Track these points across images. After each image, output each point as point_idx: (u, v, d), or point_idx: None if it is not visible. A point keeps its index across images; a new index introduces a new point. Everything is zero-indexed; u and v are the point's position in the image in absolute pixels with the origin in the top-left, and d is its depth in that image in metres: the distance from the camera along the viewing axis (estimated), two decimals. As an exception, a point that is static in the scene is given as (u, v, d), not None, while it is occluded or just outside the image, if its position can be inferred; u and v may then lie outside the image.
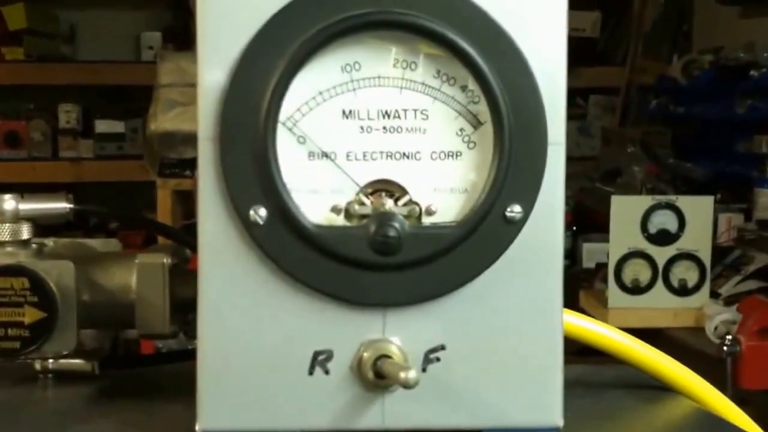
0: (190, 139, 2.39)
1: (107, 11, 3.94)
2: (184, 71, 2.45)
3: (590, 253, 2.46)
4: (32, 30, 3.64)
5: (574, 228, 2.55)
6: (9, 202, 0.62)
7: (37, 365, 0.67)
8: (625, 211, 2.05)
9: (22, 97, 3.77)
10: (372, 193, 0.51)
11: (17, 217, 0.62)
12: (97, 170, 3.68)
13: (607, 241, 2.09)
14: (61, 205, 0.64)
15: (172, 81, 2.47)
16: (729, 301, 1.98)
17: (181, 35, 3.63)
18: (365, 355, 0.50)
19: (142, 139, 3.16)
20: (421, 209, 0.51)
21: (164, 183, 2.72)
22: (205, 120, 0.49)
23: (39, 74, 3.66)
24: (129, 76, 3.58)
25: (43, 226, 0.64)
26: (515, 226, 0.50)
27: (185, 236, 0.68)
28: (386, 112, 0.50)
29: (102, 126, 3.70)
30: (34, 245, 0.63)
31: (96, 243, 0.69)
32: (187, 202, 2.70)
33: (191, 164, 2.53)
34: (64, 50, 3.87)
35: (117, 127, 3.69)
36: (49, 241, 0.67)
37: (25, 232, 0.62)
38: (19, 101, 3.77)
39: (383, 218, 0.49)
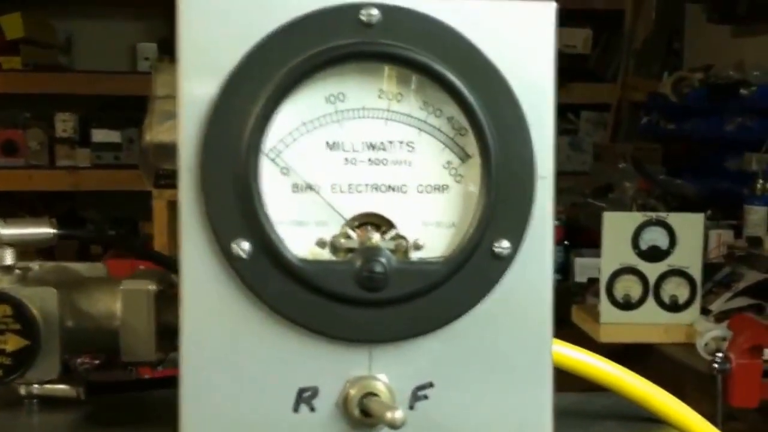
0: (186, 150, 2.38)
1: (104, 22, 3.94)
2: (180, 83, 2.45)
3: (583, 267, 2.48)
4: (29, 39, 3.64)
5: (566, 243, 2.56)
6: (-8, 228, 0.61)
7: (22, 390, 0.66)
8: (617, 228, 2.07)
9: (19, 106, 3.76)
10: (358, 226, 0.50)
11: (0, 243, 0.61)
12: (94, 179, 3.68)
13: (599, 256, 2.11)
14: (44, 231, 0.63)
15: (167, 93, 2.44)
16: (720, 318, 1.99)
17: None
18: (351, 392, 0.49)
19: (137, 150, 3.15)
20: (408, 243, 0.49)
21: (160, 194, 2.72)
22: (186, 150, 0.48)
23: (36, 83, 3.66)
24: (125, 86, 3.57)
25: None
26: (503, 262, 0.49)
27: (171, 262, 0.67)
28: (371, 144, 0.49)
29: (99, 135, 3.69)
30: (17, 271, 0.62)
31: (81, 267, 0.68)
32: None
33: (187, 175, 2.52)
34: (61, 60, 3.86)
35: (113, 136, 3.69)
36: (35, 265, 0.66)
37: (8, 257, 0.61)
38: (16, 110, 3.76)
39: (370, 253, 0.48)
